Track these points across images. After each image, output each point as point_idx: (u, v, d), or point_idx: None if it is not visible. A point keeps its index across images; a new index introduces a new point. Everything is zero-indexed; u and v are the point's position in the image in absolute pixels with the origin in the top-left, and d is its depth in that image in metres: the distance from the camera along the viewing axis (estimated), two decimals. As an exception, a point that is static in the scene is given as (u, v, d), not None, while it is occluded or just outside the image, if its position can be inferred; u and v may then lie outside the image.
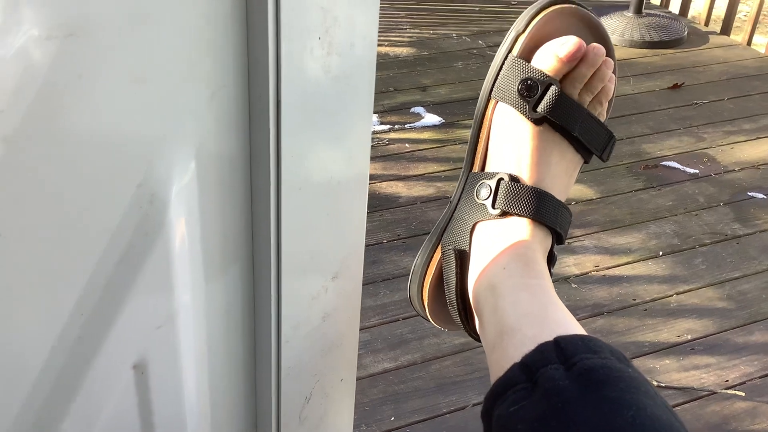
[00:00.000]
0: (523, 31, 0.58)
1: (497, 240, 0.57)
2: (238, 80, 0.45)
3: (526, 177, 0.58)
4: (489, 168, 0.60)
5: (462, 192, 0.61)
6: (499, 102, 0.59)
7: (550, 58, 0.57)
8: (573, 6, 0.60)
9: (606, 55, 0.58)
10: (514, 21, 0.60)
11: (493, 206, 0.57)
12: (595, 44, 0.57)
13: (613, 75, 0.60)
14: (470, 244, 0.58)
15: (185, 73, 0.42)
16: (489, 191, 0.57)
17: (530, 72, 0.57)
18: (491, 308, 0.53)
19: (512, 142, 0.58)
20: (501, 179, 0.57)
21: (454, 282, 0.58)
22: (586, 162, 0.62)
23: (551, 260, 0.59)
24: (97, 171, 0.41)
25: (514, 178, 0.57)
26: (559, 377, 0.42)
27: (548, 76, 0.56)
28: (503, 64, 0.58)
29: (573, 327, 0.49)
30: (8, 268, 0.40)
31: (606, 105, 0.61)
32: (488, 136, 0.60)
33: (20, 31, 0.35)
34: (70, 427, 0.47)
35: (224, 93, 0.45)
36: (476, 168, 0.61)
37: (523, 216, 0.56)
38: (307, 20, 0.44)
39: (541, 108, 0.56)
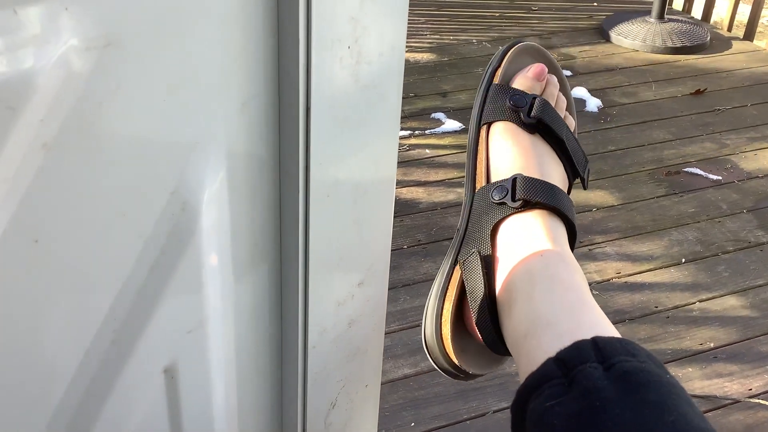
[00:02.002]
0: (498, 65, 0.68)
1: (524, 235, 0.57)
2: (269, 89, 0.46)
3: (537, 176, 0.61)
4: (494, 180, 0.62)
5: (470, 211, 0.62)
6: (492, 123, 0.65)
7: (525, 81, 0.66)
8: (531, 44, 0.72)
9: (564, 87, 0.71)
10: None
11: (513, 199, 0.58)
12: (554, 70, 0.70)
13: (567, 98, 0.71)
14: (494, 246, 0.58)
15: (218, 82, 0.43)
16: (505, 191, 0.59)
17: (514, 91, 0.66)
18: (526, 296, 0.53)
19: (514, 150, 0.62)
20: (516, 177, 0.60)
21: (480, 286, 0.58)
22: (568, 190, 0.65)
23: None
24: (132, 179, 0.42)
25: (520, 174, 0.61)
26: (598, 377, 0.42)
27: (532, 93, 0.65)
28: (488, 92, 0.67)
29: (609, 328, 0.49)
30: (44, 273, 0.41)
31: (572, 121, 0.69)
32: (487, 155, 0.64)
33: (60, 42, 0.36)
34: (102, 430, 0.47)
35: (255, 101, 0.45)
36: (481, 185, 0.63)
37: (544, 203, 0.58)
38: (337, 30, 0.44)
39: (534, 113, 0.63)
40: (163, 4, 0.39)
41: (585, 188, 0.68)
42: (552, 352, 0.45)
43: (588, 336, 0.45)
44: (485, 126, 0.65)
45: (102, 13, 0.37)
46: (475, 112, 0.66)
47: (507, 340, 0.55)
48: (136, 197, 0.42)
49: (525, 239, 0.57)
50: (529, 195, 0.58)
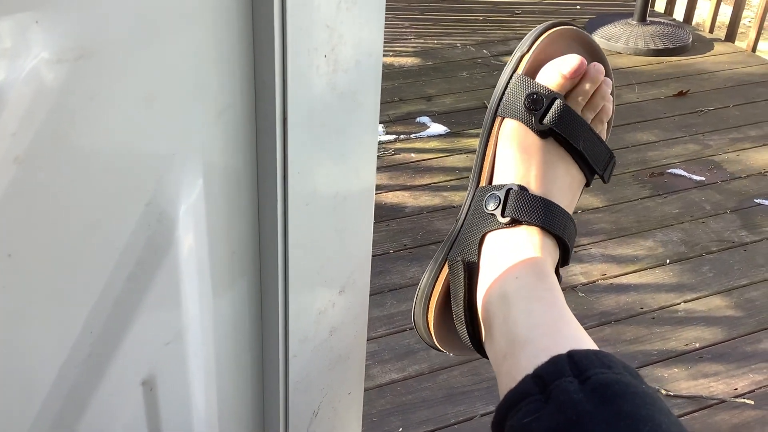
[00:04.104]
0: (527, 51, 0.61)
1: (508, 249, 0.57)
2: (245, 98, 0.45)
3: (533, 188, 0.59)
4: (496, 182, 0.60)
5: (469, 208, 0.61)
6: (505, 118, 0.60)
7: (554, 75, 0.59)
8: (573, 28, 0.63)
9: (605, 75, 0.61)
10: (518, 29, 0.64)
11: (502, 215, 0.57)
12: (596, 63, 0.60)
13: (611, 96, 0.63)
14: (479, 255, 0.58)
15: (193, 92, 0.43)
16: (498, 201, 0.58)
17: (535, 87, 0.59)
18: (502, 317, 0.53)
19: (519, 156, 0.59)
20: (510, 189, 0.58)
21: (462, 294, 0.58)
22: (587, 184, 0.63)
23: (557, 277, 0.59)
24: (107, 191, 0.41)
25: (523, 188, 0.58)
26: (574, 390, 0.42)
27: (552, 91, 0.59)
28: (509, 82, 0.60)
29: (585, 341, 0.49)
30: (18, 287, 0.41)
31: (606, 125, 0.63)
32: (495, 151, 0.61)
33: (31, 55, 0.36)
34: (81, 443, 0.47)
35: (231, 111, 0.45)
36: (483, 183, 0.61)
37: (532, 224, 0.57)
38: (313, 39, 0.44)
39: (546, 120, 0.58)
40: (135, 15, 0.39)
41: (606, 182, 0.64)
42: (530, 369, 0.45)
43: (565, 350, 0.45)
44: (499, 119, 0.60)
45: (73, 25, 0.37)
46: (493, 100, 0.61)
47: (489, 358, 0.55)
48: (112, 209, 0.42)
49: (509, 255, 0.56)
50: (519, 213, 0.57)
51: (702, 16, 3.38)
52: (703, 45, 3.07)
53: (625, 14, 3.17)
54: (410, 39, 3.06)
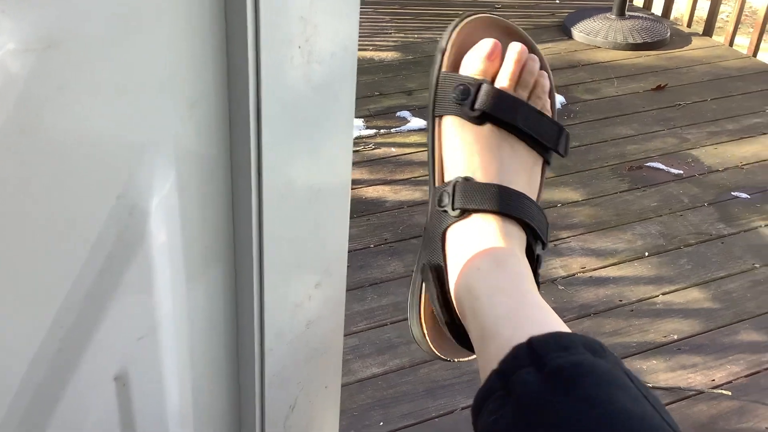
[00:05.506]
0: (446, 48, 0.61)
1: (467, 242, 0.56)
2: (218, 90, 0.45)
3: (480, 176, 0.58)
4: (447, 179, 0.60)
5: (429, 213, 0.61)
6: (443, 117, 0.60)
7: (474, 63, 0.59)
8: (485, 15, 0.62)
9: (531, 52, 0.61)
10: None
11: (453, 208, 0.57)
12: (514, 42, 0.60)
13: (544, 71, 0.62)
14: (444, 254, 0.58)
15: (165, 84, 0.42)
16: (448, 196, 0.58)
17: (461, 79, 0.59)
18: (471, 312, 0.52)
19: (462, 149, 0.59)
20: (456, 182, 0.58)
21: (436, 295, 0.58)
22: (547, 162, 0.61)
23: (538, 263, 0.58)
24: (77, 183, 0.41)
25: (467, 178, 0.58)
26: (531, 381, 0.41)
27: (477, 78, 0.59)
28: (437, 82, 0.61)
29: (550, 324, 0.48)
30: (-13, 281, 0.40)
31: (546, 99, 0.61)
32: (441, 151, 0.61)
33: (-4, 44, 0.35)
34: (53, 440, 0.46)
35: (204, 103, 0.45)
36: (437, 184, 0.61)
37: (482, 210, 0.56)
38: (286, 30, 0.44)
39: (478, 106, 0.58)
40: (105, 5, 0.38)
41: (563, 156, 0.62)
42: (495, 363, 0.45)
43: (525, 338, 0.44)
44: (437, 119, 0.61)
45: (41, 15, 0.36)
46: (429, 105, 0.62)
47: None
48: (82, 202, 0.41)
49: (469, 247, 0.56)
50: (467, 203, 0.56)
51: (680, 10, 3.41)
52: (681, 39, 3.09)
53: (604, 8, 3.18)
54: (390, 33, 3.05)
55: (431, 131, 0.61)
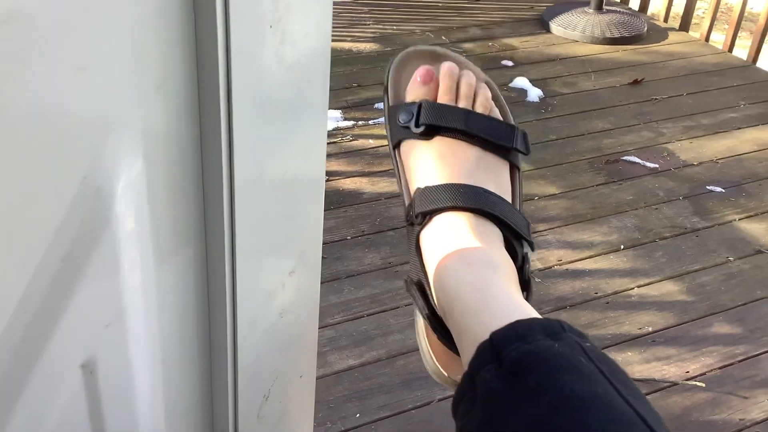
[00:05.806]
0: (387, 86, 0.67)
1: (436, 244, 0.57)
2: (187, 70, 0.44)
3: (435, 183, 0.60)
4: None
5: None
6: (399, 145, 0.64)
7: (413, 91, 0.64)
8: (414, 48, 0.68)
9: (464, 69, 0.65)
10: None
11: (415, 217, 0.59)
12: (445, 62, 0.65)
13: (483, 82, 0.66)
14: (422, 263, 0.58)
15: (131, 62, 0.41)
16: (412, 209, 0.60)
17: (404, 106, 0.64)
18: (449, 311, 0.52)
19: (418, 165, 0.62)
20: (415, 193, 0.60)
21: (422, 307, 0.58)
22: (516, 166, 0.63)
23: (524, 262, 0.57)
24: (40, 164, 0.39)
25: (424, 187, 0.60)
26: (491, 378, 0.42)
27: (416, 101, 0.63)
28: (388, 117, 0.66)
29: (514, 313, 0.47)
30: (-54, 265, 0.39)
31: (492, 105, 0.65)
32: (405, 175, 0.64)
33: (-48, 17, 0.34)
34: (17, 429, 0.45)
35: (172, 83, 0.43)
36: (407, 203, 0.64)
37: (440, 209, 0.57)
38: (258, 8, 0.43)
39: (421, 121, 0.62)
40: (68, -23, 0.37)
41: (526, 154, 0.64)
42: (466, 365, 0.45)
43: (487, 335, 0.44)
44: (396, 150, 0.64)
45: (0, -14, 0.35)
46: (388, 138, 0.66)
47: None
48: (44, 185, 0.40)
49: (438, 250, 0.56)
50: (425, 206, 0.58)
51: (657, 5, 3.43)
52: (658, 34, 3.11)
53: (582, 3, 3.19)
54: (369, 24, 3.03)
55: (394, 161, 0.65)
